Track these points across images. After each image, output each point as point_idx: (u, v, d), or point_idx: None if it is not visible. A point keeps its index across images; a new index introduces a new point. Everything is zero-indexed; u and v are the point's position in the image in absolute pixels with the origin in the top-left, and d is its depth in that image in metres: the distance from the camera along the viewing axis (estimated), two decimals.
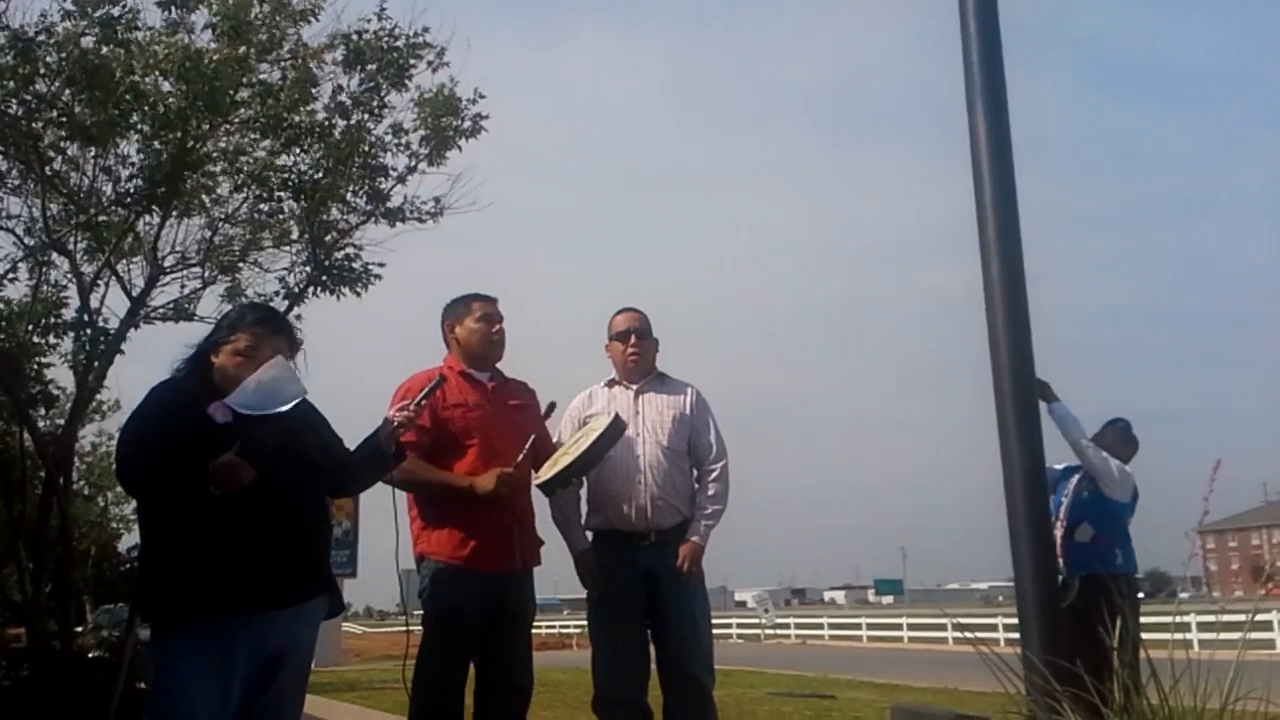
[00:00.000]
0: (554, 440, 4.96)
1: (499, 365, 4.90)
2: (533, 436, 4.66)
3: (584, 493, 5.03)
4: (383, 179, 8.10)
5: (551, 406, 4.87)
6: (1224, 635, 3.84)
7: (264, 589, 3.54)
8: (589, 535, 5.00)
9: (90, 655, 8.07)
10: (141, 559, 3.76)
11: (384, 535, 4.60)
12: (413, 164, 8.19)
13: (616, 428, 4.71)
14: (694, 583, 4.86)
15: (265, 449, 3.52)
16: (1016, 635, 4.79)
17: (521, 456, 4.57)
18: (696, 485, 5.01)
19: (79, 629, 8.42)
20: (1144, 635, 4.17)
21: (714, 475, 4.98)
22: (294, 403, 3.64)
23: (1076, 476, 6.83)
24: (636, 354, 5.06)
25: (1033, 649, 4.52)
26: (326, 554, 3.92)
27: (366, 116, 7.90)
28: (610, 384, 5.13)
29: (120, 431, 3.75)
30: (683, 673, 4.80)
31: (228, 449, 3.42)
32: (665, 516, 4.85)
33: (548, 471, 4.69)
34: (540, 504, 4.88)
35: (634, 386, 5.07)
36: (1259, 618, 23.56)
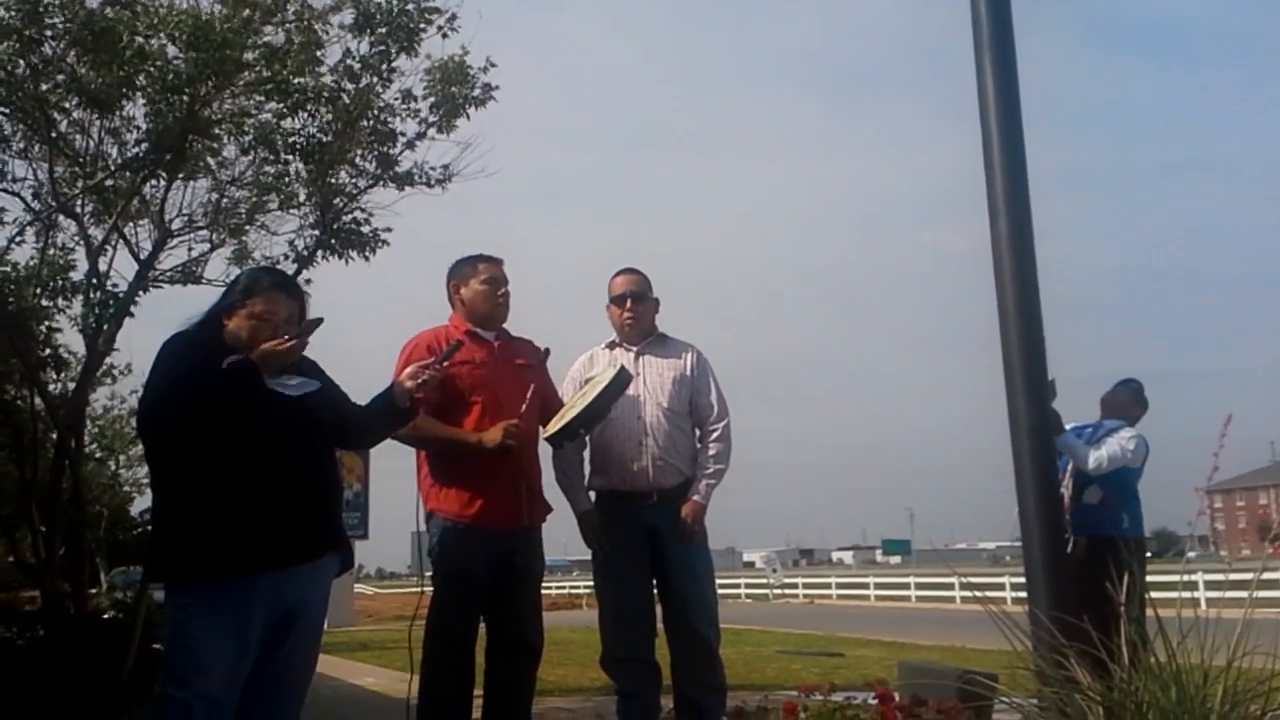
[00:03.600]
0: (556, 390, 5.00)
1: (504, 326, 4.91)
2: (532, 386, 4.68)
3: (586, 454, 5.06)
4: (391, 144, 8.07)
5: (546, 352, 4.91)
6: (1230, 594, 3.86)
7: (279, 546, 3.57)
8: (592, 496, 5.04)
9: (105, 616, 8.13)
10: (155, 519, 3.79)
11: (395, 497, 4.64)
12: (422, 130, 8.16)
13: (622, 380, 4.74)
14: (697, 541, 4.90)
15: (276, 406, 3.56)
16: (1023, 594, 4.83)
17: (525, 407, 4.60)
18: (699, 445, 5.03)
19: (93, 591, 8.46)
20: (1151, 594, 4.19)
21: (716, 435, 5.01)
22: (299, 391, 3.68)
23: (1083, 440, 6.82)
24: (633, 318, 5.09)
25: (1039, 605, 4.55)
26: (338, 511, 3.95)
27: (376, 80, 7.85)
28: (611, 346, 5.16)
29: (144, 388, 3.74)
30: (688, 629, 4.86)
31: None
32: (667, 476, 4.89)
33: (555, 424, 4.71)
34: (545, 467, 4.92)
35: (634, 348, 5.09)
36: (1267, 576, 23.60)
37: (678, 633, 4.88)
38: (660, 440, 4.88)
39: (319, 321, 3.75)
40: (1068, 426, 6.84)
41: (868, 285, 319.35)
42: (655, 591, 4.94)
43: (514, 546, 4.63)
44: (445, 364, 4.16)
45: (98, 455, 19.09)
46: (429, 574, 4.76)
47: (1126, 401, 6.89)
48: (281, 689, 3.74)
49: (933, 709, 4.79)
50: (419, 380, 3.98)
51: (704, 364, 5.12)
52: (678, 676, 4.88)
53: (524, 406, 4.61)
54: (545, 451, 4.89)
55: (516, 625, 4.67)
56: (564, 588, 46.02)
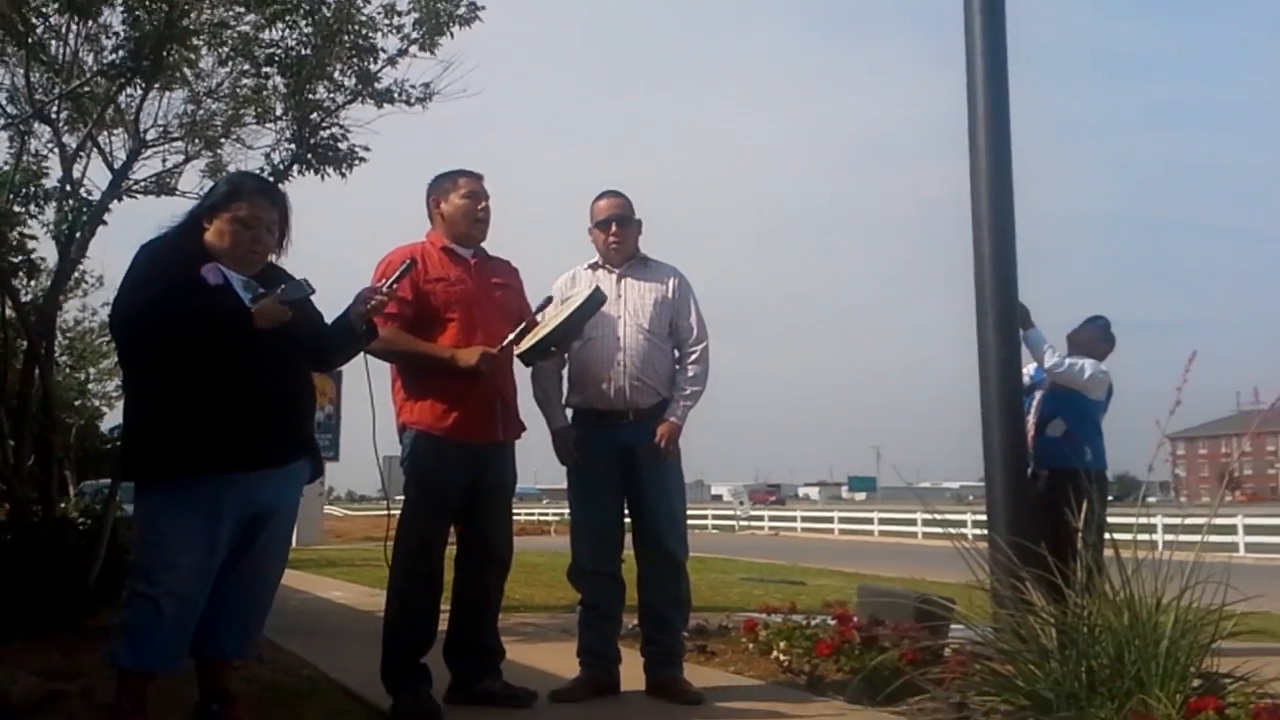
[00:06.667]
0: (532, 312, 5.00)
1: (485, 244, 4.92)
2: (523, 324, 4.72)
3: (565, 372, 5.10)
4: (372, 60, 7.97)
5: (548, 300, 4.94)
6: (1185, 538, 3.95)
7: (252, 448, 3.61)
8: (569, 414, 5.09)
9: (77, 524, 8.13)
10: (127, 418, 3.80)
11: (367, 420, 4.65)
12: (404, 47, 8.07)
13: (595, 299, 4.76)
14: (670, 460, 4.96)
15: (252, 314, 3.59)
16: (984, 531, 4.92)
17: (507, 341, 4.62)
18: (677, 367, 5.08)
19: (63, 505, 8.42)
20: (1110, 531, 4.27)
21: (694, 357, 5.06)
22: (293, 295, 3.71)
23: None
24: (618, 242, 5.10)
25: (999, 531, 4.66)
26: (311, 418, 3.99)
27: None
28: (593, 267, 5.17)
29: (121, 287, 3.70)
30: (658, 546, 4.93)
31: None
32: (644, 397, 4.94)
33: (527, 342, 4.74)
34: (521, 386, 4.95)
35: (617, 270, 5.11)
36: (1224, 521, 24.06)
37: (647, 548, 4.96)
38: (637, 361, 4.92)
39: (311, 290, 3.81)
40: (1029, 370, 6.91)
41: (847, 226, 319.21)
42: (626, 507, 5.01)
43: (487, 459, 4.66)
44: (395, 285, 4.19)
45: (69, 366, 19.02)
46: (395, 498, 4.82)
47: (1093, 338, 6.95)
48: (250, 590, 3.80)
49: (890, 629, 4.90)
50: (370, 304, 4.00)
51: (685, 287, 5.15)
52: (644, 588, 4.96)
53: (505, 341, 4.63)
54: (521, 371, 4.93)
55: (486, 537, 4.72)
56: (533, 515, 46.31)
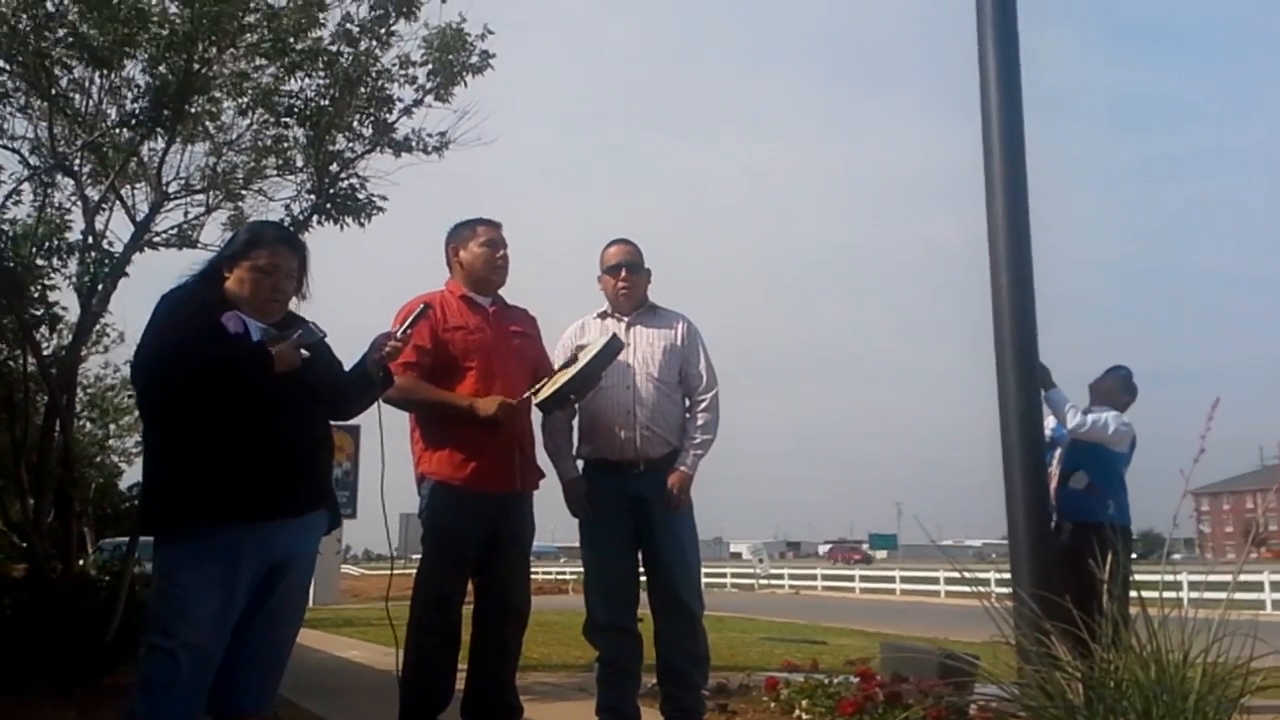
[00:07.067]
0: (550, 361, 5.01)
1: (501, 293, 4.93)
2: (544, 379, 4.73)
3: (575, 423, 5.08)
4: (388, 110, 8.06)
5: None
6: (1210, 595, 3.88)
7: (270, 498, 3.58)
8: (579, 465, 5.06)
9: (93, 579, 8.12)
10: (147, 470, 3.78)
11: (386, 477, 4.62)
12: (419, 97, 8.16)
13: (613, 347, 4.75)
14: (682, 510, 4.91)
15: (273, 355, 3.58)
16: (1008, 590, 4.84)
17: (527, 394, 4.62)
18: (687, 415, 5.05)
19: (81, 562, 8.41)
20: (1134, 582, 4.20)
21: (704, 405, 5.02)
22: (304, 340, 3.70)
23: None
24: (628, 288, 5.09)
25: (1022, 584, 4.58)
26: (329, 468, 3.97)
27: (374, 44, 7.86)
28: (602, 316, 5.17)
29: (143, 335, 3.68)
30: (673, 598, 4.86)
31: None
32: (654, 447, 4.89)
33: (546, 390, 4.73)
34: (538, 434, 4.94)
35: (626, 318, 5.10)
36: (1251, 578, 23.80)
37: (662, 601, 4.89)
38: (649, 410, 4.89)
39: (322, 333, 3.80)
40: (1051, 424, 6.84)
41: (863, 274, 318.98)
42: (639, 559, 4.96)
43: (505, 510, 4.64)
44: (410, 331, 4.19)
45: (89, 420, 19.06)
46: (412, 556, 4.78)
47: (1114, 388, 6.89)
48: (267, 643, 3.74)
49: (914, 686, 4.82)
50: (385, 349, 4.00)
51: (694, 334, 5.13)
52: (661, 644, 4.89)
53: (526, 394, 4.63)
54: (539, 419, 4.92)
55: (504, 589, 4.69)
56: (550, 574, 46.10)
